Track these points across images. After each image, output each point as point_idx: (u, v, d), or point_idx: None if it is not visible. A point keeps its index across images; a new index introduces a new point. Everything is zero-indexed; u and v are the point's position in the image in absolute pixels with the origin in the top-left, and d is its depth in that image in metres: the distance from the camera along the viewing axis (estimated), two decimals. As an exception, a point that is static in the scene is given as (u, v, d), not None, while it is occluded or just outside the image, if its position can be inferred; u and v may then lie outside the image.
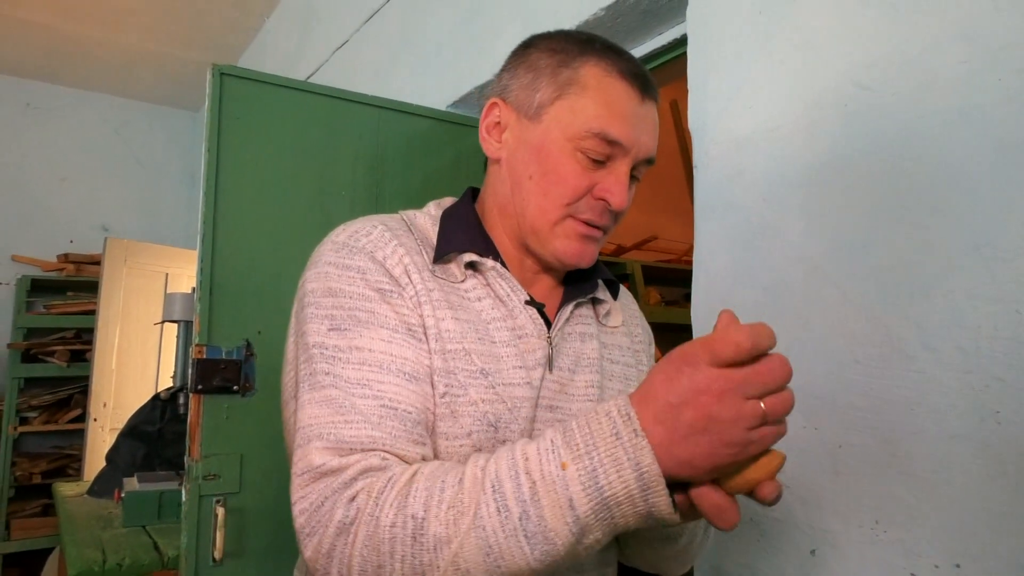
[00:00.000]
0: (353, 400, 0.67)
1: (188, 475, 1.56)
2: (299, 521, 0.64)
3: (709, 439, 0.54)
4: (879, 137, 1.03)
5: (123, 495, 2.19)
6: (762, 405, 0.54)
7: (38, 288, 4.06)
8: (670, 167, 3.59)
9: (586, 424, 0.58)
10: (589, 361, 0.82)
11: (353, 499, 0.62)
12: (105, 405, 3.69)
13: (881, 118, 1.03)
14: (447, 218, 0.83)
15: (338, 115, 1.83)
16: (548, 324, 0.81)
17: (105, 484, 2.50)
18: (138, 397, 3.14)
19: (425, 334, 0.73)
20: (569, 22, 1.63)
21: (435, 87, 2.18)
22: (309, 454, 0.66)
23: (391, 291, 0.73)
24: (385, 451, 0.66)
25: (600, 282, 0.89)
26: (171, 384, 2.72)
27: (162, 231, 4.56)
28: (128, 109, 4.72)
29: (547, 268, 0.84)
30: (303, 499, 0.64)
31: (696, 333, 1.27)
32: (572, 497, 0.56)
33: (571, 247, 0.79)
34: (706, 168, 1.28)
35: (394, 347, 0.70)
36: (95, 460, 3.38)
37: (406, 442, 0.67)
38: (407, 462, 0.66)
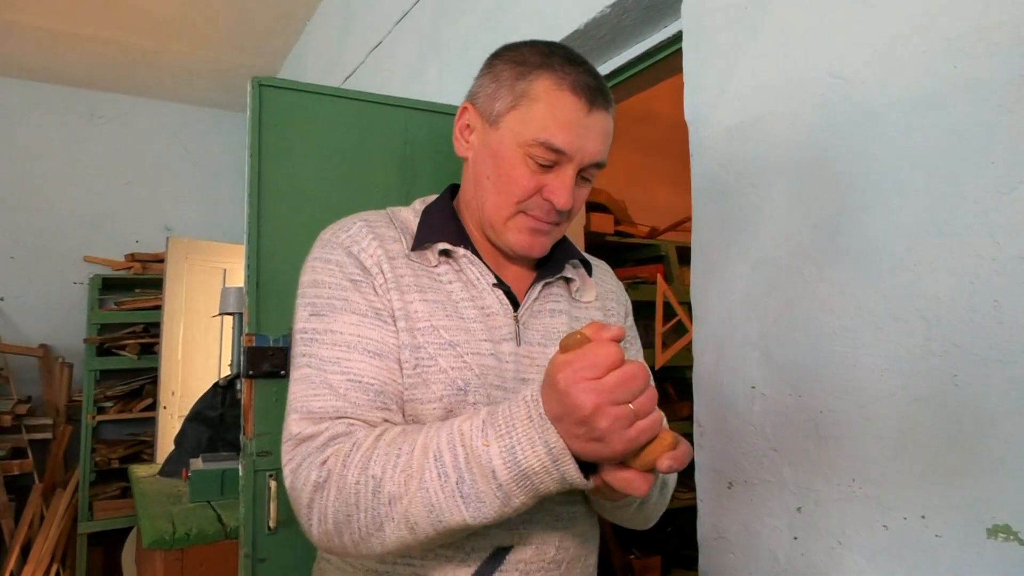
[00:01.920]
0: (325, 375, 0.80)
1: (244, 452, 1.73)
2: (287, 481, 0.79)
3: (601, 444, 0.66)
4: (851, 124, 1.10)
5: (190, 474, 2.40)
6: (631, 407, 0.65)
7: (109, 286, 4.35)
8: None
9: (508, 408, 0.70)
10: (559, 334, 0.93)
11: (324, 462, 0.76)
12: (173, 394, 3.96)
13: (852, 106, 1.10)
14: (427, 212, 0.95)
15: (369, 118, 1.96)
16: (518, 305, 0.92)
17: (174, 465, 2.72)
18: (203, 385, 3.36)
19: (393, 316, 0.85)
20: (579, 19, 1.71)
21: (462, 86, 2.29)
22: (289, 424, 0.80)
23: (362, 280, 0.85)
24: (350, 419, 0.79)
25: (574, 262, 1.00)
26: (229, 372, 2.93)
27: (220, 228, 4.80)
28: (185, 114, 4.97)
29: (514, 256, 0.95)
30: (290, 462, 0.79)
31: (695, 309, 1.36)
32: (495, 469, 0.68)
33: (522, 239, 0.90)
34: (700, 157, 1.37)
35: (362, 329, 0.83)
36: (166, 444, 3.63)
37: (370, 409, 0.80)
38: (371, 426, 0.79)
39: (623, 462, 0.70)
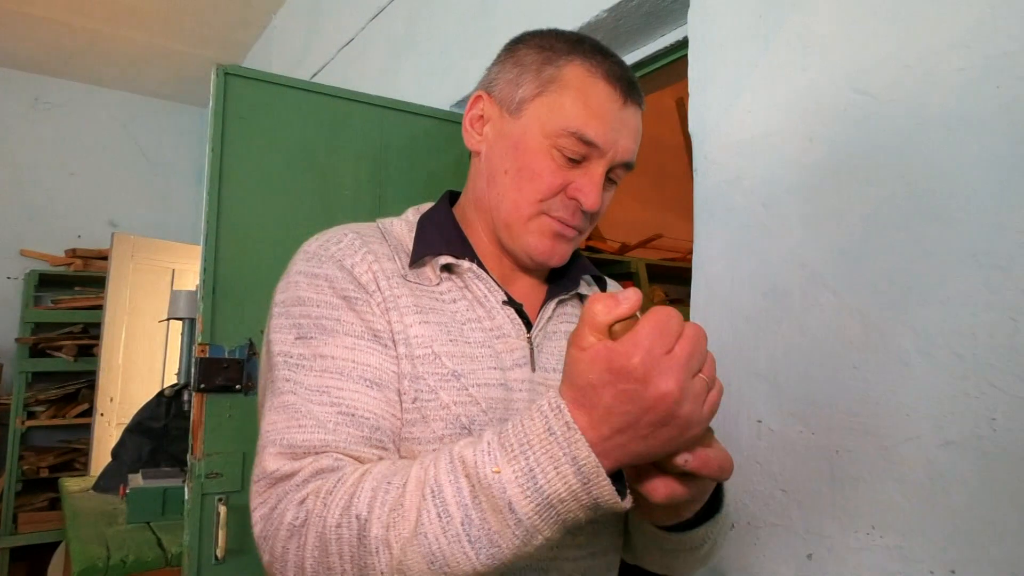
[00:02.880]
0: (309, 406, 0.67)
1: (191, 473, 1.58)
2: (256, 528, 0.65)
3: (669, 429, 0.55)
4: (878, 143, 1.03)
5: (128, 491, 2.21)
6: (703, 376, 0.55)
7: (46, 283, 4.09)
8: (675, 165, 3.59)
9: (520, 423, 0.57)
10: None
11: (303, 501, 0.62)
12: (112, 400, 3.72)
13: (880, 124, 1.03)
14: (424, 222, 0.83)
15: (342, 115, 1.84)
16: (531, 324, 0.81)
17: (110, 480, 2.52)
18: (145, 393, 3.16)
19: (393, 340, 0.73)
20: (571, 23, 1.63)
21: (439, 87, 2.18)
22: (263, 460, 0.67)
23: (357, 298, 0.73)
24: (339, 452, 0.66)
25: (587, 278, 0.89)
26: (176, 381, 2.74)
27: (170, 227, 4.58)
28: (137, 104, 4.74)
29: (526, 267, 0.84)
30: (262, 505, 0.65)
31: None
32: (511, 500, 0.55)
33: (543, 244, 0.79)
34: (705, 172, 1.28)
35: (358, 354, 0.70)
36: (101, 454, 3.40)
37: (363, 446, 0.67)
38: (363, 464, 0.66)
39: (657, 465, 0.59)
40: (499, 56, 0.84)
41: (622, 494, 0.57)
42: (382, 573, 0.58)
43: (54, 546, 3.49)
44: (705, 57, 1.31)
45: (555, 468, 0.54)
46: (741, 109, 1.23)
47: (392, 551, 0.57)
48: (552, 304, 0.83)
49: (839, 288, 1.06)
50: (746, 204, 1.20)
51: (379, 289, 0.74)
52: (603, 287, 0.92)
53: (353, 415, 0.68)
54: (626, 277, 3.50)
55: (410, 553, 0.57)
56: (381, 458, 0.68)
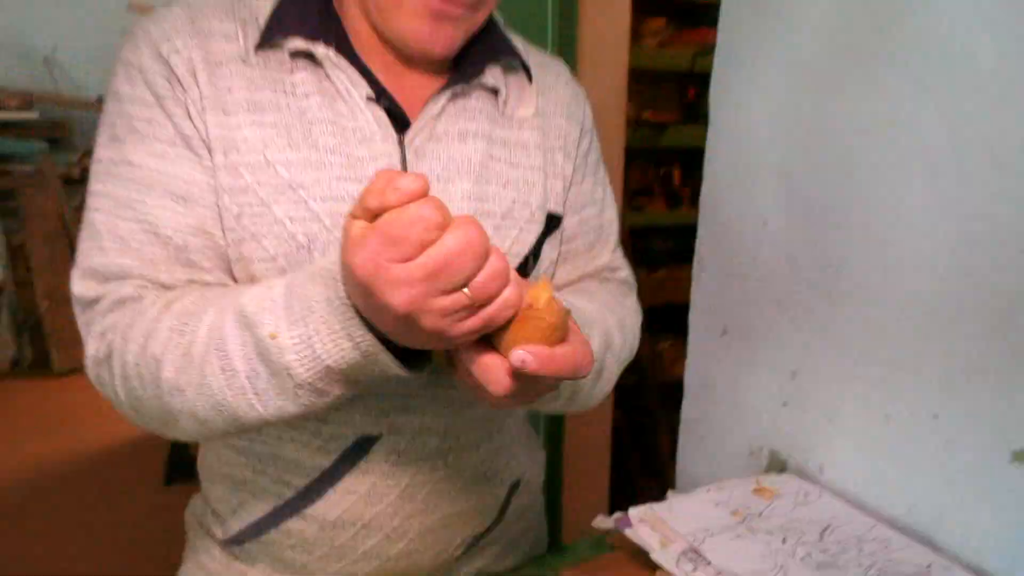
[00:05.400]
0: (115, 222, 0.62)
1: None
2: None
3: (419, 333, 0.48)
4: None
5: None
6: (466, 291, 0.45)
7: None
8: None
9: (308, 283, 0.53)
10: (469, 165, 0.69)
11: (103, 334, 0.61)
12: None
13: None
14: None
15: None
16: (409, 124, 0.68)
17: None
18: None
19: (209, 147, 0.63)
20: None
21: None
22: (73, 282, 0.64)
23: (168, 96, 0.63)
24: (141, 278, 0.62)
25: (508, 62, 0.73)
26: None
27: None
28: None
29: (412, 59, 0.69)
30: (81, 328, 0.64)
31: (712, 112, 1.08)
32: (288, 366, 0.53)
33: (419, 27, 0.64)
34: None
35: (166, 163, 0.62)
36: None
37: (170, 266, 0.62)
38: (168, 288, 0.62)
39: (487, 341, 0.51)
40: None
41: (420, 362, 0.54)
42: (181, 411, 0.58)
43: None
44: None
45: (333, 340, 0.52)
46: None
47: (185, 395, 0.57)
48: (443, 98, 0.68)
49: (868, 63, 0.82)
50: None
51: (196, 83, 0.63)
52: (531, 77, 0.75)
53: (157, 234, 0.62)
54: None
55: (199, 402, 0.56)
56: (192, 280, 0.63)
